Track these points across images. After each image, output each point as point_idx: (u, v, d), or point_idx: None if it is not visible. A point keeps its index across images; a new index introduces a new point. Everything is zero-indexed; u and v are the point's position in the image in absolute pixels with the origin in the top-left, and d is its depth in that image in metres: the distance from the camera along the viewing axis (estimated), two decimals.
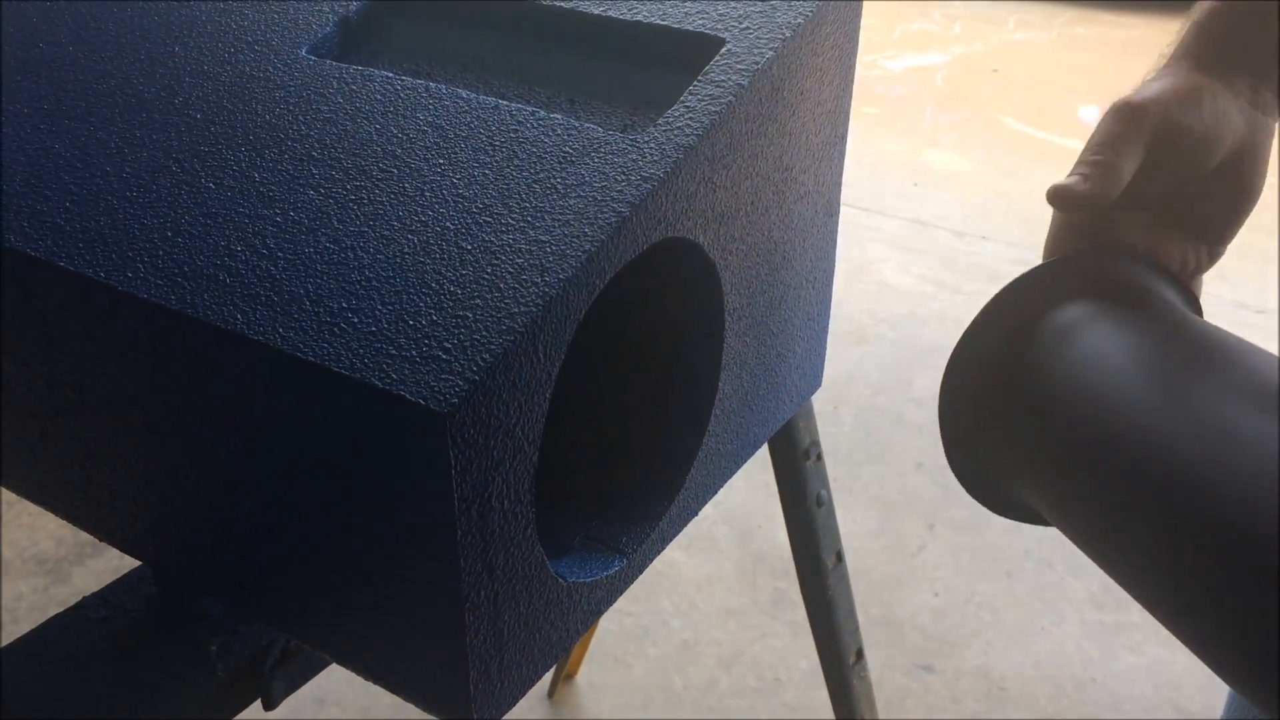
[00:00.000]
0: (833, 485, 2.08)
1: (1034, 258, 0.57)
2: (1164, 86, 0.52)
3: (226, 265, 0.48)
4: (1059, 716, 1.47)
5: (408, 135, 0.53)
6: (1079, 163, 0.51)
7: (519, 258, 0.46)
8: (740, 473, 0.67)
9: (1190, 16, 0.54)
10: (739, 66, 0.54)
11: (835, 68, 0.60)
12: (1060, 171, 0.53)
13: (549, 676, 1.48)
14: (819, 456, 1.11)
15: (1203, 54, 0.53)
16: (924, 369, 2.16)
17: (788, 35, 0.55)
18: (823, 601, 1.14)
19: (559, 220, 0.47)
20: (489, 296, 0.45)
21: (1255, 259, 2.41)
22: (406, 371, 0.42)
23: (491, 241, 0.47)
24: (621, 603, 1.72)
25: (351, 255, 0.47)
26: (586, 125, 0.52)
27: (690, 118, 0.52)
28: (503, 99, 0.55)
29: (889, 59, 3.79)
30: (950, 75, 3.70)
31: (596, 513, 0.58)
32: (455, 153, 0.52)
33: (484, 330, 0.43)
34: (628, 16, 0.58)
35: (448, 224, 0.48)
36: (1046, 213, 0.55)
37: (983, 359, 0.51)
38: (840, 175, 0.65)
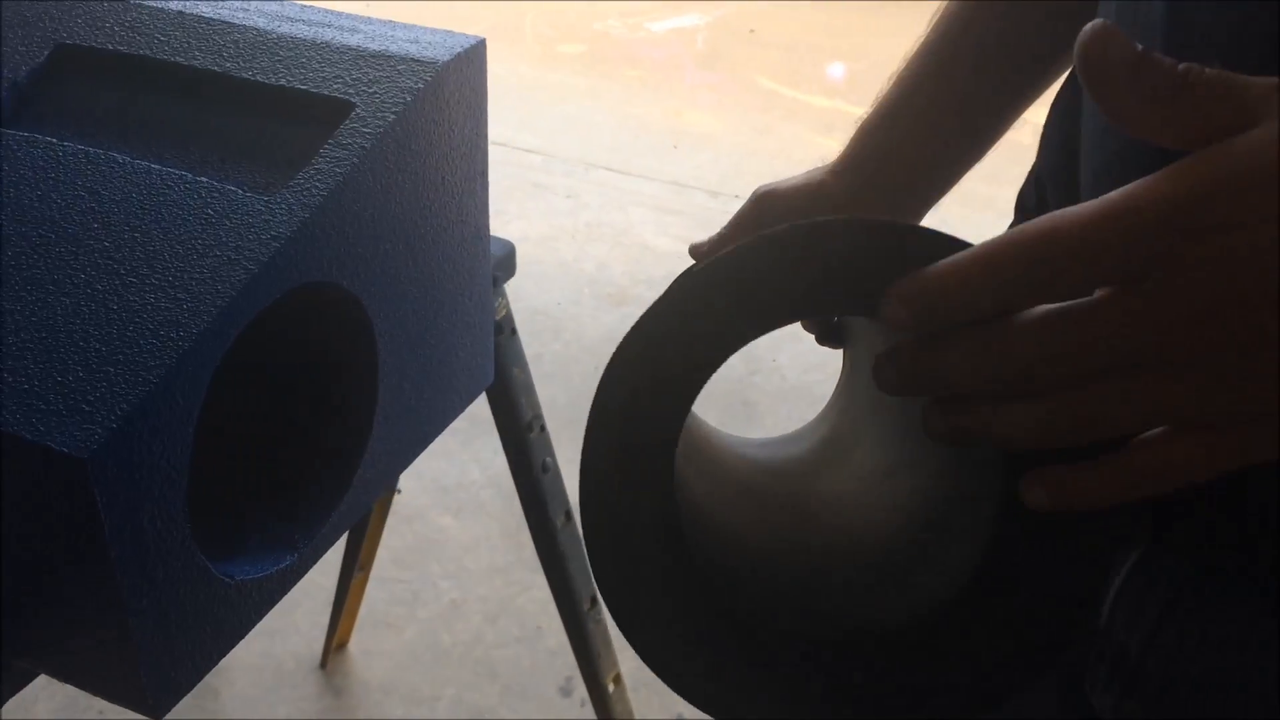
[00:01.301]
0: None
1: None
2: (800, 182, 0.63)
3: None
4: None
5: (66, 201, 0.60)
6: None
7: (159, 315, 0.54)
8: None
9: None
10: (364, 130, 0.63)
11: (464, 114, 0.70)
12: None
13: (320, 648, 1.56)
14: (542, 428, 1.22)
15: (851, 159, 0.63)
16: None
17: (409, 99, 0.64)
18: (555, 556, 1.26)
19: (196, 279, 0.56)
20: (129, 352, 0.53)
21: (976, 204, 2.66)
22: (53, 424, 0.50)
23: (135, 301, 0.55)
24: (392, 570, 1.81)
25: (9, 319, 0.54)
26: (228, 187, 0.60)
27: (319, 179, 0.60)
28: (157, 162, 0.62)
29: (652, 21, 3.92)
30: (710, 37, 3.85)
31: (272, 513, 0.67)
32: (109, 217, 0.59)
33: (123, 383, 0.51)
34: (273, 81, 0.66)
35: (98, 286, 0.56)
36: (796, 169, 0.66)
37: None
38: (485, 203, 0.75)
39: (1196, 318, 0.29)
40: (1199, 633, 0.46)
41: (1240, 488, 0.42)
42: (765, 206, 0.63)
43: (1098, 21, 0.30)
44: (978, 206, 1.71)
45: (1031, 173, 0.55)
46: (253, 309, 0.56)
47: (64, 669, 0.59)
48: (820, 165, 0.64)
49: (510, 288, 1.11)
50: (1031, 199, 0.54)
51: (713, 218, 2.78)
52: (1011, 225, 0.59)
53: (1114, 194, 0.30)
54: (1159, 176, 0.29)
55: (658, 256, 2.57)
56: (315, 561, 0.68)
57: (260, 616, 0.64)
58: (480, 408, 1.13)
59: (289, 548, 0.66)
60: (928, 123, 0.59)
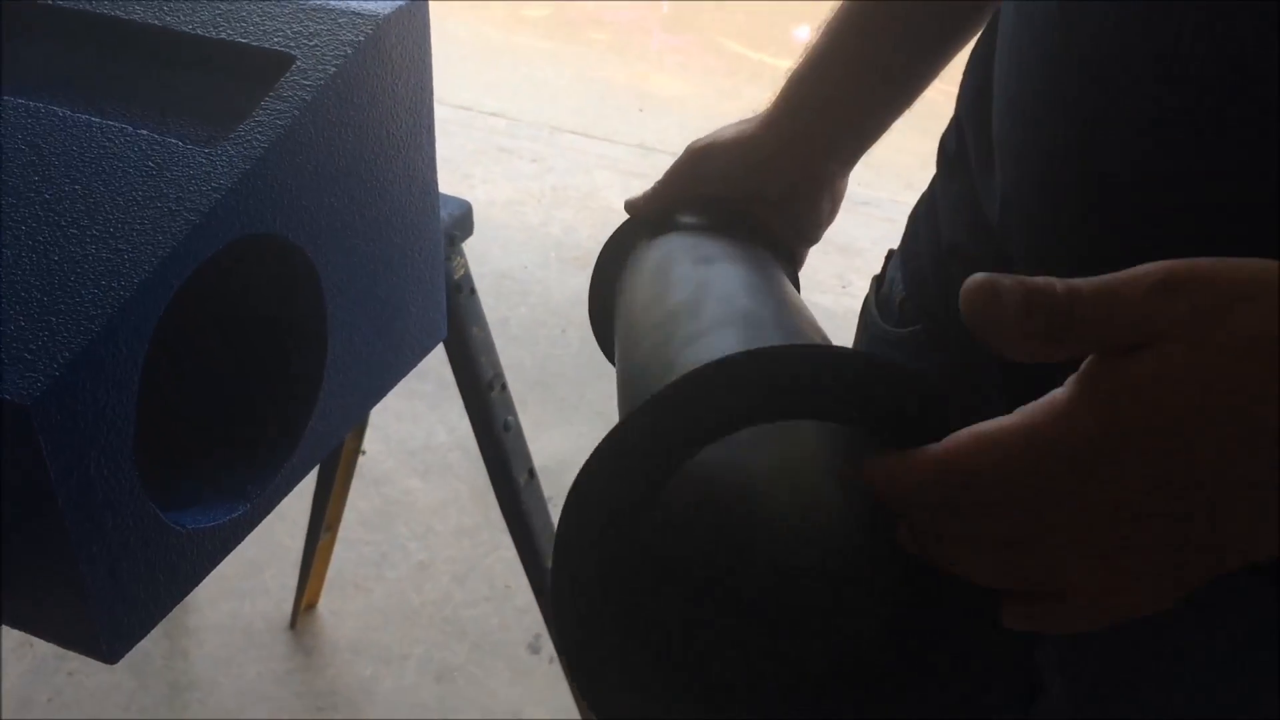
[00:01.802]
0: (560, 402, 2.23)
1: None
2: (734, 130, 0.63)
3: None
4: None
5: (6, 155, 0.60)
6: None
7: (100, 265, 0.55)
8: None
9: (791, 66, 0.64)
10: (305, 82, 0.63)
11: (408, 67, 0.70)
12: (775, 90, 0.64)
13: (289, 609, 1.57)
14: (503, 387, 1.23)
15: (784, 105, 0.63)
16: None
17: (349, 52, 0.65)
18: (519, 514, 1.27)
19: (137, 229, 0.56)
20: (71, 302, 0.53)
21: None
22: None
23: (76, 253, 0.55)
24: (360, 532, 1.82)
25: None
26: (169, 140, 0.60)
27: (259, 131, 0.61)
28: (98, 115, 0.62)
29: None
30: None
31: (224, 464, 0.68)
32: (49, 170, 0.59)
33: (66, 332, 0.52)
34: (214, 35, 0.66)
35: (39, 238, 0.56)
36: None
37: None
38: (433, 157, 0.76)
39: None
40: None
41: None
42: (700, 160, 0.64)
43: (978, 276, 0.33)
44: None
45: (953, 119, 0.56)
46: (195, 259, 0.57)
47: (19, 616, 0.59)
48: (751, 116, 0.64)
49: (476, 252, 1.11)
50: (952, 144, 0.55)
51: None
52: (935, 175, 0.60)
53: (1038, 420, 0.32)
54: (1073, 411, 0.31)
55: (623, 220, 2.58)
56: (268, 512, 0.69)
57: (214, 565, 0.65)
58: (447, 371, 1.14)
59: (241, 498, 0.67)
60: (856, 71, 0.60)
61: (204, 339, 0.68)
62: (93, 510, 0.54)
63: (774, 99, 0.63)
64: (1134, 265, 0.31)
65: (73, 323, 0.52)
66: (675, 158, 0.66)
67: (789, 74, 0.63)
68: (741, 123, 0.64)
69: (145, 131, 0.61)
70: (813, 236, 0.67)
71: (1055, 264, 0.44)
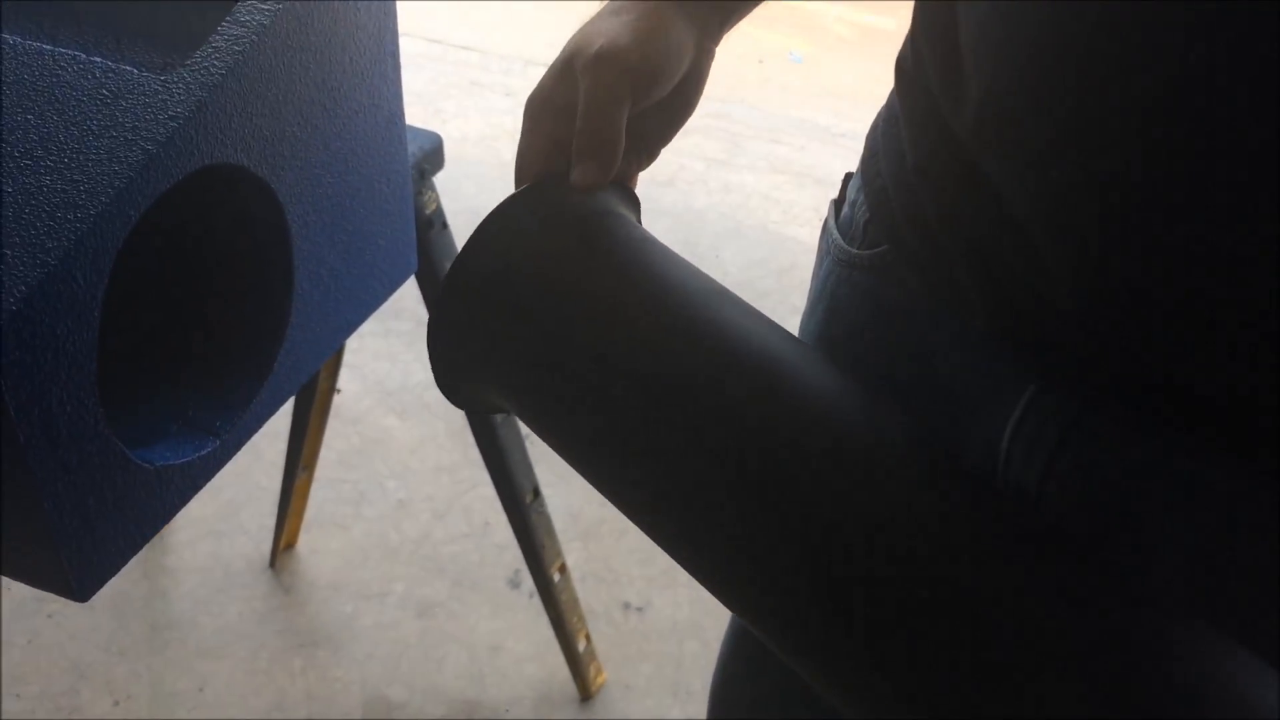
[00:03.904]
0: None
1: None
2: (630, 23, 0.53)
3: None
4: None
5: None
6: (577, 137, 0.53)
7: (55, 197, 0.53)
8: None
9: None
10: (262, 6, 0.61)
11: None
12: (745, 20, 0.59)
13: (269, 549, 1.57)
14: None
15: None
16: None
17: None
18: (496, 450, 1.27)
19: (93, 160, 0.55)
20: (26, 235, 0.52)
21: None
22: None
23: (30, 184, 0.54)
24: (337, 471, 1.82)
25: None
26: (124, 68, 0.58)
27: (216, 58, 0.59)
28: (49, 43, 0.60)
29: None
30: None
31: (192, 400, 0.67)
32: (1, 100, 0.57)
33: (21, 266, 0.51)
34: None
35: None
36: (730, 57, 0.59)
37: (469, 284, 0.51)
38: (398, 87, 0.74)
39: None
40: (1090, 461, 0.48)
41: (1115, 333, 0.44)
42: (618, 79, 0.53)
43: None
44: None
45: (908, 36, 0.55)
46: (154, 190, 0.56)
47: None
48: (608, 9, 0.56)
49: (449, 188, 1.09)
50: (909, 60, 0.54)
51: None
52: (891, 94, 0.59)
53: None
54: None
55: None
56: (238, 449, 0.68)
57: (184, 502, 0.64)
58: (424, 310, 1.13)
59: (210, 434, 0.66)
60: None
61: (170, 273, 0.67)
62: (56, 448, 0.53)
63: None
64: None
65: (28, 256, 0.51)
66: None
67: None
68: (611, 14, 0.55)
69: (99, 59, 0.59)
70: (681, 122, 0.60)
71: (1036, 156, 0.43)
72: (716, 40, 0.60)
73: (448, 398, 0.55)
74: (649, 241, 0.53)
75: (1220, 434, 0.44)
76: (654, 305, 0.48)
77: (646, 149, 0.61)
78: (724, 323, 0.48)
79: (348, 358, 1.96)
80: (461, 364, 0.53)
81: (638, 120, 0.57)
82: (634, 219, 0.57)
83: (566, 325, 0.49)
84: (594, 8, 0.59)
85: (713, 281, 0.52)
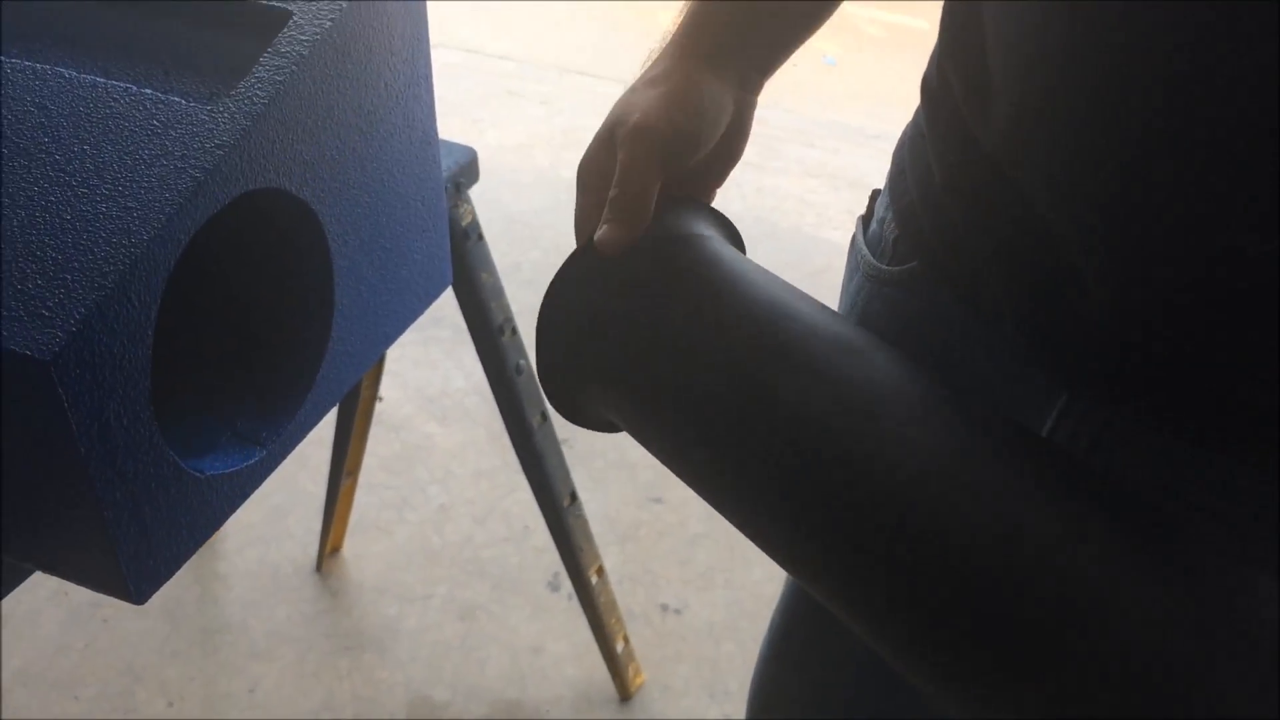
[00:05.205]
0: None
1: None
2: (664, 95, 0.55)
3: None
4: None
5: (15, 116, 0.62)
6: (610, 203, 0.55)
7: (110, 224, 0.57)
8: None
9: (680, 13, 0.60)
10: (301, 38, 0.64)
11: (403, 19, 0.71)
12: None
13: (315, 553, 1.61)
14: (514, 331, 1.25)
15: (696, 48, 0.57)
16: None
17: (344, 6, 0.66)
18: (533, 455, 1.30)
19: (145, 188, 0.58)
20: (84, 260, 0.55)
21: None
22: (16, 330, 0.53)
23: (87, 211, 0.57)
24: (381, 477, 1.86)
25: None
26: (172, 99, 0.62)
27: (259, 88, 0.62)
28: (102, 75, 0.64)
29: None
30: None
31: (240, 413, 0.70)
32: (58, 131, 0.61)
33: (80, 289, 0.54)
34: None
35: (51, 198, 0.58)
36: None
37: (572, 306, 0.55)
38: (432, 108, 0.77)
39: None
40: (1121, 466, 0.50)
41: (1145, 339, 0.45)
42: (649, 145, 0.55)
43: None
44: None
45: (933, 55, 0.57)
46: (202, 214, 0.59)
47: (52, 563, 0.62)
48: (645, 79, 0.58)
49: (487, 196, 1.12)
50: (934, 80, 0.56)
51: None
52: (917, 112, 0.60)
53: None
54: None
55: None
56: (284, 457, 0.71)
57: (233, 508, 0.67)
58: (462, 318, 1.16)
59: (257, 444, 0.69)
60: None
61: (217, 292, 0.70)
62: (114, 459, 0.57)
63: (679, 41, 0.58)
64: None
65: (87, 279, 0.54)
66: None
67: (685, 12, 0.59)
68: (647, 84, 0.58)
69: (149, 90, 0.62)
70: (730, 168, 0.63)
71: (1065, 165, 0.44)
72: (758, 90, 0.61)
73: (556, 408, 0.61)
74: (722, 260, 0.56)
75: (1250, 439, 0.46)
76: (734, 320, 0.52)
77: (701, 193, 0.63)
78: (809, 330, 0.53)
79: (389, 366, 2.00)
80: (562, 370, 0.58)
81: (687, 173, 0.59)
82: (711, 236, 0.59)
83: (658, 340, 0.53)
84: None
85: (780, 287, 0.55)
